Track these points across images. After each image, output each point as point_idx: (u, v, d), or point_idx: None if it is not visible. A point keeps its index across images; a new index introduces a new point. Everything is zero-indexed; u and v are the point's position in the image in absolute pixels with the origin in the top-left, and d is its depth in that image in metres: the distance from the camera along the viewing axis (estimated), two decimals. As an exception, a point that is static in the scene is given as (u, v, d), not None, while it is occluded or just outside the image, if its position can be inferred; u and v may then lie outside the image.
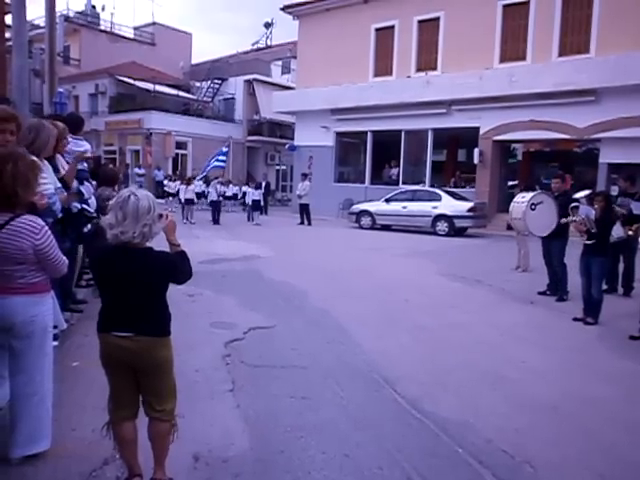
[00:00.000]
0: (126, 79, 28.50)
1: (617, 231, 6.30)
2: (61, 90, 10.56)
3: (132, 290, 2.38)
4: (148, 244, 2.42)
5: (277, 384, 4.07)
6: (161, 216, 2.44)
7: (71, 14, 32.57)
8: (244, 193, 21.14)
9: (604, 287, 7.11)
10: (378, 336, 5.46)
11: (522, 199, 7.96)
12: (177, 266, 2.46)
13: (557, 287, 7.60)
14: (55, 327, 2.98)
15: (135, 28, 35.42)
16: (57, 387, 2.97)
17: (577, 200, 6.52)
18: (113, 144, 28.83)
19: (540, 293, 7.76)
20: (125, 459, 2.55)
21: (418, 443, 3.24)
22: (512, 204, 8.34)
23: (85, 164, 5.25)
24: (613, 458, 3.18)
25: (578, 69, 15.49)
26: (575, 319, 6.29)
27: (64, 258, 2.77)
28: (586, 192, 6.60)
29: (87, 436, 3.06)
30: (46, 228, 2.66)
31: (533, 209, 7.53)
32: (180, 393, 2.65)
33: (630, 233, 5.88)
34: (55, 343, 2.96)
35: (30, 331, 2.64)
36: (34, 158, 2.97)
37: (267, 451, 3.05)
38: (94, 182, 6.37)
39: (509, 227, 11.64)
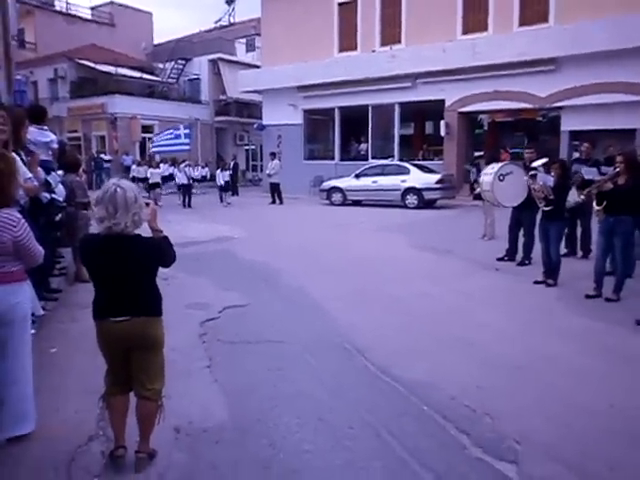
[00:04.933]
0: (86, 62, 27.63)
1: (573, 196, 6.58)
2: (19, 77, 10.31)
3: (126, 276, 2.54)
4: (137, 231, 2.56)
5: (253, 359, 4.23)
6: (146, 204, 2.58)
7: (23, -5, 31.32)
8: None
9: (564, 251, 7.44)
10: (351, 309, 5.66)
11: (491, 170, 7.99)
12: (164, 250, 2.63)
13: (515, 253, 7.90)
14: (32, 314, 3.06)
15: (92, 8, 34.24)
16: (37, 373, 3.07)
17: (535, 168, 6.76)
18: (77, 130, 28.11)
19: (499, 259, 8.05)
20: (114, 429, 2.74)
21: (388, 405, 3.45)
22: (482, 175, 8.40)
23: (51, 153, 5.23)
24: (563, 403, 3.46)
25: (538, 39, 15.70)
26: (536, 282, 6.61)
27: (40, 248, 2.86)
28: (543, 160, 6.84)
29: (70, 417, 3.19)
30: (23, 221, 2.74)
31: (501, 180, 7.62)
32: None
33: (582, 197, 6.17)
34: (33, 331, 3.04)
35: (11, 319, 2.73)
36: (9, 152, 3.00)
37: (245, 420, 3.23)
38: (60, 171, 6.35)
39: (475, 197, 11.91)
